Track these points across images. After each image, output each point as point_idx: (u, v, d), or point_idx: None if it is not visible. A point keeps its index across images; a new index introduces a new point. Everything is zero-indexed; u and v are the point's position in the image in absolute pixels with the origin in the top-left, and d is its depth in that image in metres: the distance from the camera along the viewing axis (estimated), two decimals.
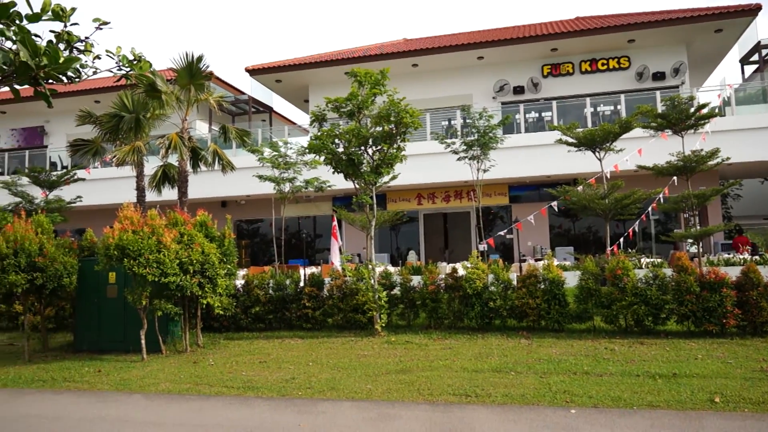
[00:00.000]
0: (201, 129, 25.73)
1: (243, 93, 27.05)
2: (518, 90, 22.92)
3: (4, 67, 3.18)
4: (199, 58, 13.91)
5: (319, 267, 19.07)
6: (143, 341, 10.21)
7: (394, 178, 12.36)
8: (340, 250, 16.69)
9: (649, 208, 16.29)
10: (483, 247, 16.74)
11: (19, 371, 9.54)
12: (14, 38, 3.06)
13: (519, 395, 6.75)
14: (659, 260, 16.48)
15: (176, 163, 14.97)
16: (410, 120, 11.29)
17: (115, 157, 14.46)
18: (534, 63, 23.04)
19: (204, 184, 20.76)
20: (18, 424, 6.57)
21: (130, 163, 14.73)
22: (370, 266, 11.99)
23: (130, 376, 8.81)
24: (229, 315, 12.16)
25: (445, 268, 16.24)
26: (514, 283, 11.66)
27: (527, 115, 21.79)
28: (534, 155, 19.85)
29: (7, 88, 3.45)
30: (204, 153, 15.30)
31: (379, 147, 11.80)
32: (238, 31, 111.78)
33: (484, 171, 16.88)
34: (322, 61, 23.28)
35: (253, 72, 24.30)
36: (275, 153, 16.59)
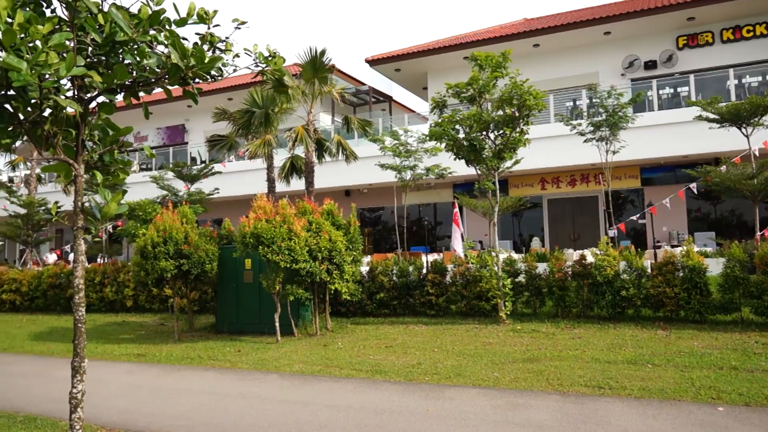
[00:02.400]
0: (324, 121, 26.60)
1: (363, 84, 27.58)
2: (650, 65, 21.42)
3: (157, 69, 3.45)
4: (322, 52, 14.36)
5: (441, 254, 19.10)
6: (277, 324, 10.79)
7: (517, 162, 12.07)
8: (461, 237, 16.60)
9: None
10: (613, 232, 15.94)
11: (170, 349, 10.46)
12: (165, 42, 3.31)
13: (658, 389, 6.36)
14: None
15: (303, 155, 15.62)
16: (534, 102, 10.95)
17: (247, 150, 15.37)
18: (667, 35, 21.39)
19: (328, 174, 21.44)
20: (176, 397, 7.22)
21: (261, 156, 15.60)
22: (493, 253, 11.82)
23: (266, 357, 9.35)
24: (356, 300, 12.54)
25: (571, 255, 15.65)
26: (649, 270, 10.99)
27: (660, 92, 20.32)
28: (669, 134, 18.48)
29: (158, 90, 3.74)
30: (328, 144, 15.85)
31: (501, 131, 11.55)
32: (355, 22, 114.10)
33: (614, 152, 16.02)
34: (441, 47, 23.14)
35: (373, 62, 24.68)
36: (396, 141, 16.81)
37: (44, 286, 17.58)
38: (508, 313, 11.38)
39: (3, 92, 2.88)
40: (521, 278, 12.09)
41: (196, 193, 19.90)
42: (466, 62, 12.02)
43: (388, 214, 25.65)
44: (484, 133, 11.65)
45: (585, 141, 16.33)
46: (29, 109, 3.02)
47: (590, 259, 11.52)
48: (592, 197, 22.02)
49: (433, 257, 16.61)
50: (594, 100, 16.66)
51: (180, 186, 21.14)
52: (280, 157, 17.33)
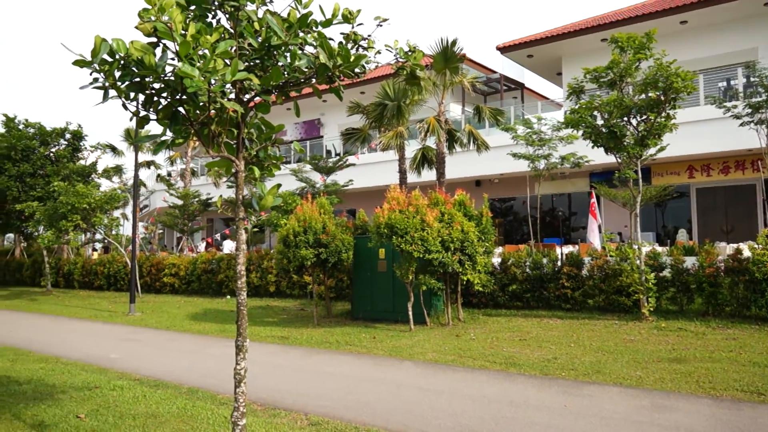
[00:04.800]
0: (454, 111, 26.52)
1: (494, 72, 27.11)
2: None
3: (305, 69, 3.66)
4: (454, 42, 14.33)
5: (576, 246, 18.39)
6: (410, 313, 11.01)
7: (662, 149, 11.30)
8: (599, 228, 15.89)
9: None
10: None
11: (310, 334, 11.04)
12: (314, 44, 3.51)
13: None
14: None
15: (434, 146, 15.72)
16: (682, 85, 10.20)
17: (380, 142, 15.75)
18: None
19: (459, 164, 21.35)
20: (317, 378, 7.65)
21: (393, 148, 15.92)
22: (635, 245, 11.20)
23: (400, 344, 9.58)
24: (487, 292, 12.46)
25: (724, 248, 14.41)
26: None
27: None
28: None
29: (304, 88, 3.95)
30: (459, 134, 15.81)
31: (644, 117, 10.89)
32: (485, 8, 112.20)
33: None
34: (577, 30, 22.11)
35: (504, 49, 24.16)
36: (529, 130, 16.39)
37: (198, 271, 19.25)
38: (651, 309, 10.74)
39: (178, 97, 3.22)
40: (666, 273, 11.35)
41: (331, 185, 20.72)
42: (604, 45, 11.48)
43: (519, 204, 25.10)
44: (625, 119, 11.04)
45: (741, 124, 14.90)
46: (198, 111, 3.35)
47: (747, 253, 10.55)
48: (748, 186, 20.06)
49: (567, 249, 16.04)
50: (752, 79, 15.13)
51: (316, 178, 22.11)
52: (411, 148, 17.54)
